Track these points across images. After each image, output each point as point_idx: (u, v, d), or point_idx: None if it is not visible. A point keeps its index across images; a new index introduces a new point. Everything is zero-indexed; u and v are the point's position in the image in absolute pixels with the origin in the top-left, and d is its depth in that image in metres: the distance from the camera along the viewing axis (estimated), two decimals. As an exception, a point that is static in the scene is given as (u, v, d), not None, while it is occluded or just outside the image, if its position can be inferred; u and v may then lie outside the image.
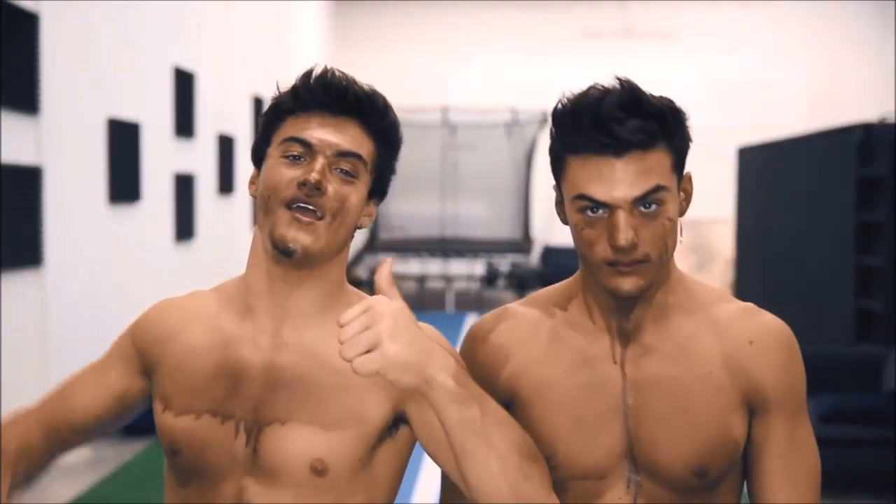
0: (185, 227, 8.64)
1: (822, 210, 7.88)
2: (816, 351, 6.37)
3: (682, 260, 15.59)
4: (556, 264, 13.65)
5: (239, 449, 1.48)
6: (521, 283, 13.75)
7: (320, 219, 1.45)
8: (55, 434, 1.62)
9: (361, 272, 14.55)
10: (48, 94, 5.92)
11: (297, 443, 1.45)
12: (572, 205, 1.46)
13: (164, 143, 8.14)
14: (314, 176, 1.43)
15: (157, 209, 7.99)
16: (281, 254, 1.45)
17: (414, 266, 14.85)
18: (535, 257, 14.81)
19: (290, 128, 1.49)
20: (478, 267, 14.93)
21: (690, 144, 1.51)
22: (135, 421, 1.67)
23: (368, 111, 1.50)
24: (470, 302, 13.78)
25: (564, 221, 1.53)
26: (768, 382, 1.50)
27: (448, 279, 14.31)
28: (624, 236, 1.41)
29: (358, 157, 1.48)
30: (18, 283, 5.64)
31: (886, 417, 5.29)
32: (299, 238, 1.44)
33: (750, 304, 1.57)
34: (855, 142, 7.22)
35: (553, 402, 1.52)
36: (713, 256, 14.18)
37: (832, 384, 5.88)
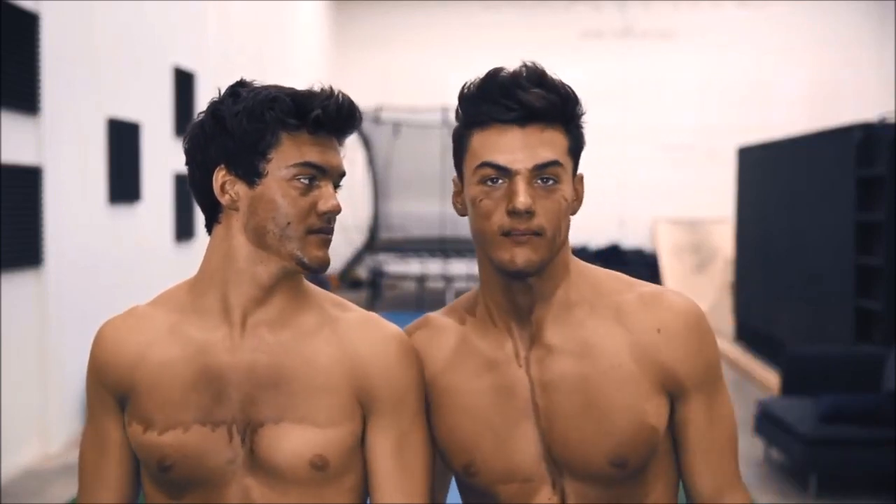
0: (185, 227, 8.65)
1: (822, 210, 7.88)
2: (816, 351, 6.37)
3: (682, 260, 15.38)
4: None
5: (236, 451, 1.50)
6: (521, 282, 13.71)
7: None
8: None
9: (361, 272, 14.53)
10: (48, 94, 5.92)
11: (294, 442, 1.48)
12: (473, 177, 1.48)
13: (164, 143, 8.14)
14: (337, 205, 1.49)
15: (157, 209, 7.99)
16: (313, 273, 1.51)
17: (414, 266, 14.84)
18: (534, 257, 14.79)
19: (300, 148, 1.48)
20: (477, 267, 14.90)
21: (584, 146, 1.53)
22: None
23: (352, 129, 1.54)
24: (470, 302, 13.74)
25: (462, 213, 1.55)
26: (682, 368, 1.50)
27: (448, 279, 14.30)
28: (522, 199, 1.43)
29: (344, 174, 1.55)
30: (18, 283, 5.65)
31: (886, 417, 5.29)
32: (327, 257, 1.52)
33: (653, 288, 1.56)
34: (855, 142, 7.22)
35: (462, 408, 1.54)
36: (713, 256, 14.17)
37: (832, 384, 5.88)
